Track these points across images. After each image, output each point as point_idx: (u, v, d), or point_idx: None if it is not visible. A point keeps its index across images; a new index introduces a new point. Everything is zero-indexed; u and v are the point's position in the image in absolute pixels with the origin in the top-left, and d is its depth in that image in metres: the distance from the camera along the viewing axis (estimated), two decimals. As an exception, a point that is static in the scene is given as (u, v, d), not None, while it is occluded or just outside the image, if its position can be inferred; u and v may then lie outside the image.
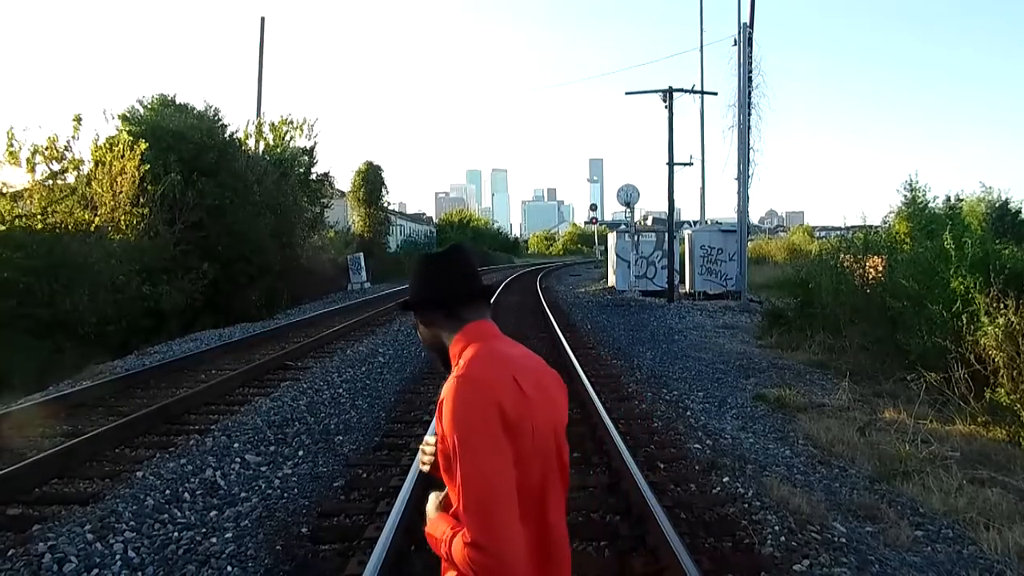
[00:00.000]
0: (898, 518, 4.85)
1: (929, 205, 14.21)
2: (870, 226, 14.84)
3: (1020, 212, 35.34)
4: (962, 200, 32.22)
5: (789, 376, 10.00)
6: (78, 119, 16.07)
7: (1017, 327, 6.94)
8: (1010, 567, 4.10)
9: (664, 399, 8.50)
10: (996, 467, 6.04)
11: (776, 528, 4.58)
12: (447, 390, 1.54)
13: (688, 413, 7.78)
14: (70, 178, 16.51)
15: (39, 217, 14.51)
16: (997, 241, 10.20)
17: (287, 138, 28.47)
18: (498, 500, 1.44)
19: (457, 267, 1.73)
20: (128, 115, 20.69)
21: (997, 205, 32.91)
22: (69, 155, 15.97)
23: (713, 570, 4.03)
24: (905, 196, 24.74)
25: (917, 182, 24.86)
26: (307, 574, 4.14)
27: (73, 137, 15.96)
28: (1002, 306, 7.25)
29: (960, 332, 7.83)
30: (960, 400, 7.32)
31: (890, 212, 25.20)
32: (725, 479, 5.55)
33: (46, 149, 15.46)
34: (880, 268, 11.64)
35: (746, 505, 5.03)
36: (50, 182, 15.65)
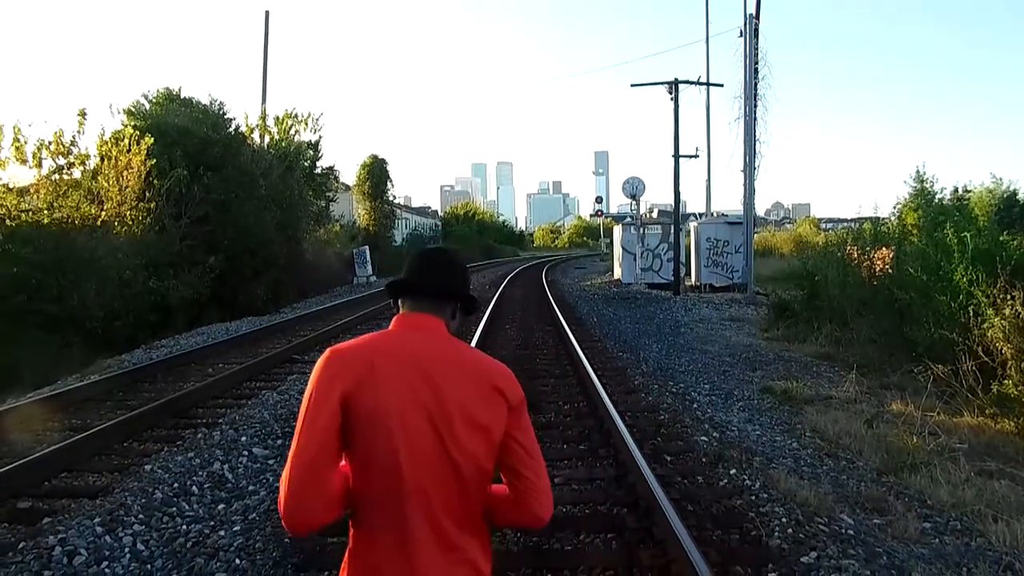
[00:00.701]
0: (906, 510, 4.84)
1: (937, 196, 14.17)
2: (877, 218, 14.79)
3: (1029, 203, 35.11)
4: (970, 191, 32.10)
5: (796, 368, 9.98)
6: (83, 113, 16.10)
7: (1025, 319, 6.92)
8: (1019, 559, 4.09)
9: (671, 391, 8.50)
10: (1004, 459, 6.02)
11: (783, 520, 4.57)
12: None
13: (695, 405, 7.78)
14: (76, 173, 16.55)
15: (45, 212, 14.54)
16: (1005, 232, 10.16)
17: (292, 132, 28.48)
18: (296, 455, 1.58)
19: (412, 262, 1.86)
20: (133, 110, 20.73)
21: (1005, 196, 32.79)
22: (75, 150, 16.01)
23: (720, 562, 4.03)
24: (913, 187, 24.67)
25: (924, 173, 24.77)
26: (315, 566, 4.15)
27: (79, 132, 16.00)
28: (1009, 297, 7.21)
29: (967, 324, 7.80)
30: (968, 392, 7.30)
31: (898, 203, 25.14)
32: (732, 471, 5.55)
33: (52, 144, 15.49)
34: (887, 260, 11.59)
35: (753, 497, 5.03)
36: (56, 177, 15.69)
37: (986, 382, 7.25)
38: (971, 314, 7.76)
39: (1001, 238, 8.97)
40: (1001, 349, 7.12)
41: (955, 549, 4.24)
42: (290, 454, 1.59)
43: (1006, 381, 6.92)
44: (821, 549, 4.16)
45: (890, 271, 11.03)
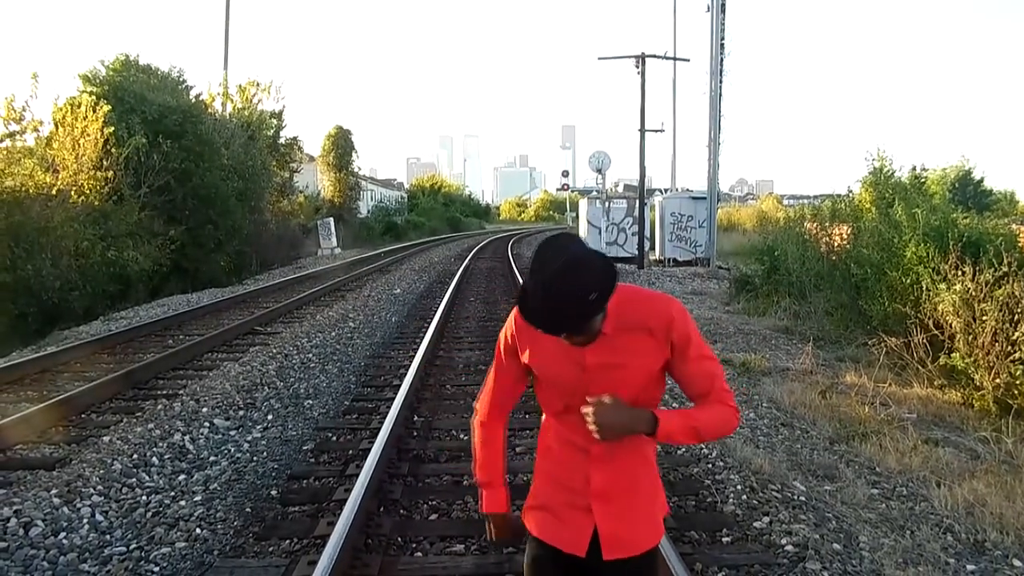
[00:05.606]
0: (855, 477, 5.01)
1: (895, 175, 14.42)
2: (838, 195, 15.03)
3: (982, 182, 35.99)
4: (927, 171, 32.76)
5: (755, 341, 10.17)
6: (35, 77, 15.60)
7: (973, 293, 7.12)
8: (958, 521, 4.27)
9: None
10: (950, 428, 6.25)
11: (738, 487, 4.71)
12: (672, 308, 1.94)
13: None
14: (29, 140, 16.09)
15: (-3, 179, 14.14)
16: (958, 210, 10.42)
17: (255, 100, 27.95)
18: None
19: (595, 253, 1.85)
20: (90, 76, 20.14)
21: (960, 175, 33.53)
22: (28, 116, 15.54)
23: (677, 527, 4.15)
24: (872, 166, 25.06)
25: (884, 152, 25.20)
26: (276, 535, 4.17)
27: (32, 96, 15.52)
28: (960, 273, 7.42)
29: (919, 299, 8.02)
30: (918, 364, 7.52)
31: (856, 181, 25.52)
32: (690, 441, 5.66)
33: (3, 109, 15.01)
34: (846, 236, 11.82)
35: (710, 465, 5.16)
36: (7, 143, 15.23)
37: (935, 354, 7.48)
38: (922, 289, 7.97)
39: (953, 215, 9.19)
40: (951, 323, 7.33)
41: (900, 513, 4.41)
42: (725, 381, 1.95)
43: (954, 354, 7.14)
44: (774, 514, 4.29)
45: (848, 247, 11.25)
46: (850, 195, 14.16)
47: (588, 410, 1.84)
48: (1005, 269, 6.97)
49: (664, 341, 1.90)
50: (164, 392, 7.33)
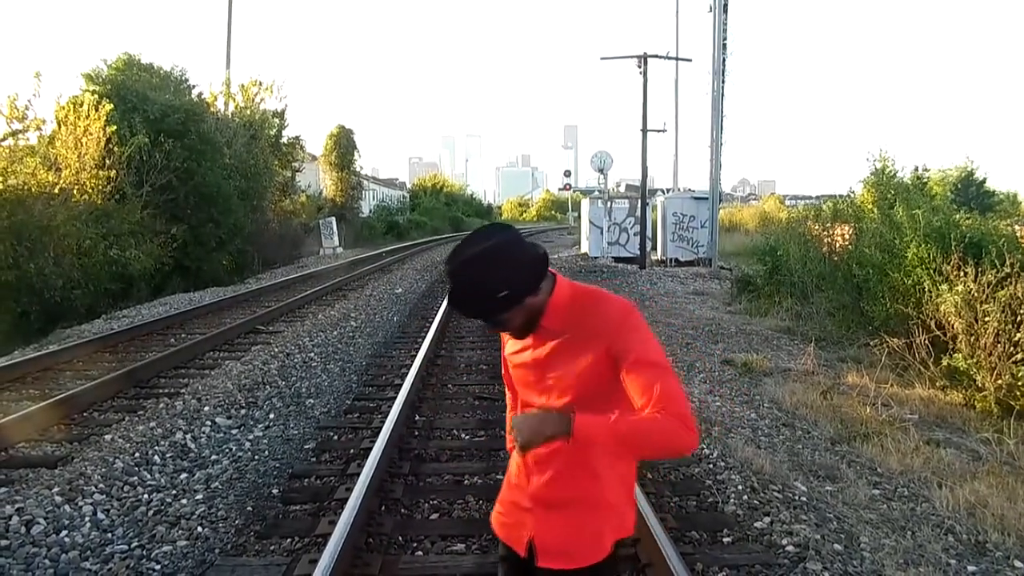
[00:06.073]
0: (857, 477, 5.01)
1: (897, 175, 14.40)
2: (841, 195, 15.02)
3: (985, 183, 35.94)
4: (929, 171, 32.74)
5: (757, 341, 10.16)
6: (38, 75, 15.61)
7: (975, 295, 7.11)
8: (959, 522, 4.26)
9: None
10: (952, 429, 6.24)
11: (739, 488, 4.70)
12: (615, 313, 1.83)
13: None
14: (32, 138, 16.10)
15: (0, 179, 14.15)
16: (961, 211, 10.40)
17: (257, 100, 27.95)
18: None
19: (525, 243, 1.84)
20: (92, 75, 20.16)
21: (962, 176, 33.51)
22: (31, 115, 15.55)
23: (678, 527, 4.15)
24: (874, 166, 25.04)
25: (886, 152, 25.17)
26: (277, 534, 4.18)
27: (35, 94, 15.53)
28: (962, 274, 7.41)
29: (921, 299, 8.01)
30: (920, 365, 7.51)
31: (859, 182, 25.52)
32: (691, 441, 5.66)
33: (5, 108, 15.03)
34: (847, 236, 11.81)
35: (711, 466, 5.16)
36: (10, 142, 15.24)
37: (937, 355, 7.47)
38: (924, 290, 7.96)
39: (955, 216, 9.18)
40: (953, 324, 7.32)
41: (901, 514, 4.40)
42: (678, 390, 1.72)
43: (956, 355, 7.12)
44: (775, 515, 4.29)
45: (849, 247, 11.24)
46: (852, 196, 14.14)
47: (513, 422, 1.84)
48: (1007, 270, 6.96)
49: (601, 346, 1.81)
50: (166, 391, 7.34)
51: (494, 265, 1.70)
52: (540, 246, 1.85)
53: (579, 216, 34.02)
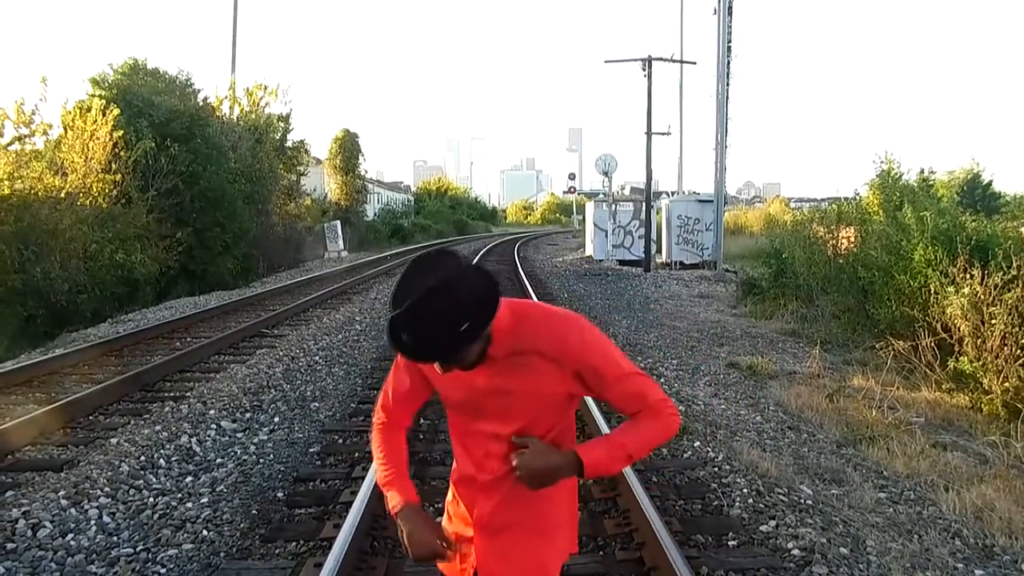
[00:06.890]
0: (863, 481, 4.99)
1: (903, 177, 14.38)
2: (845, 198, 15.02)
3: (991, 184, 35.82)
4: (935, 173, 32.67)
5: (762, 344, 10.14)
6: (44, 80, 15.70)
7: (982, 297, 7.09)
8: (966, 526, 4.24)
9: (638, 367, 8.59)
10: (958, 432, 6.22)
11: (745, 491, 4.69)
12: (567, 333, 1.74)
13: (662, 380, 7.88)
14: (39, 143, 16.19)
15: (6, 183, 14.21)
16: (967, 213, 10.37)
17: (262, 103, 28.05)
18: None
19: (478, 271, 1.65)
20: (98, 80, 20.27)
21: (968, 178, 33.42)
22: (37, 119, 15.64)
23: (683, 531, 4.14)
24: (880, 168, 25.02)
25: (892, 154, 25.17)
26: (282, 537, 4.18)
27: (41, 99, 15.64)
28: (968, 276, 7.39)
29: (927, 302, 7.99)
30: (926, 368, 7.48)
31: (864, 184, 25.51)
32: (696, 444, 5.66)
33: (12, 113, 15.11)
34: (853, 239, 11.79)
35: (716, 469, 5.14)
36: (17, 146, 15.32)
37: (943, 358, 7.44)
38: (930, 292, 7.94)
39: (961, 219, 9.16)
40: (959, 326, 7.30)
41: (908, 517, 4.39)
42: (652, 384, 1.83)
43: (962, 358, 7.10)
44: (780, 518, 4.28)
45: (855, 250, 11.22)
46: (857, 198, 14.12)
47: (515, 463, 1.77)
48: (1014, 272, 6.93)
49: (563, 369, 1.74)
50: (171, 394, 7.36)
51: (452, 296, 1.51)
52: (482, 266, 1.70)
53: (583, 219, 34.04)
